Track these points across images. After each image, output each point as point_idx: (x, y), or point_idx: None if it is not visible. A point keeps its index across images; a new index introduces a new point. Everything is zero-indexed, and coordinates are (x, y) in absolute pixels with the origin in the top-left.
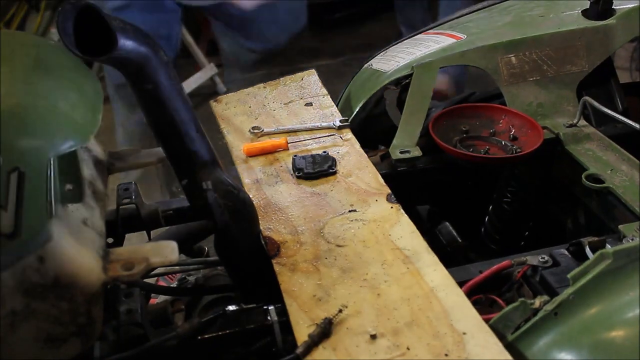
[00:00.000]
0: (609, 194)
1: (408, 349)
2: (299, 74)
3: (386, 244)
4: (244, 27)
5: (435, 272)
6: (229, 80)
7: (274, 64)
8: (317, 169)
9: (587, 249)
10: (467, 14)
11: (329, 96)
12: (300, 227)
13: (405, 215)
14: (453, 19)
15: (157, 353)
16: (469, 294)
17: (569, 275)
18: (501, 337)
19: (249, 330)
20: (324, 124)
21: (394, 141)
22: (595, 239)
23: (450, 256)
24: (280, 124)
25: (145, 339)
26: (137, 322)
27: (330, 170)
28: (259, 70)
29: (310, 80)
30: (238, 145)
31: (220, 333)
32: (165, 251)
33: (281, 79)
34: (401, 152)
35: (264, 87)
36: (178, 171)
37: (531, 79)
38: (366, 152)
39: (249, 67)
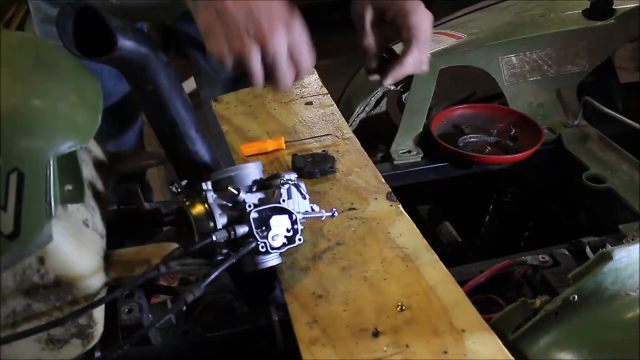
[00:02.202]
0: (609, 194)
1: (407, 346)
2: None
3: (385, 241)
4: None
5: (434, 270)
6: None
7: None
8: (316, 168)
9: (588, 249)
10: (467, 14)
11: (329, 95)
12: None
13: (405, 213)
14: (453, 19)
15: (161, 352)
16: (470, 294)
17: (569, 275)
18: (502, 336)
19: (253, 330)
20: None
21: (395, 141)
22: (596, 238)
23: (451, 256)
24: (280, 123)
25: (147, 339)
26: (139, 322)
27: (330, 169)
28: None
29: (310, 79)
30: (238, 145)
31: (224, 332)
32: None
33: None
34: (402, 152)
35: (264, 86)
36: (179, 171)
37: (532, 79)
38: (366, 152)
39: (232, 83)
